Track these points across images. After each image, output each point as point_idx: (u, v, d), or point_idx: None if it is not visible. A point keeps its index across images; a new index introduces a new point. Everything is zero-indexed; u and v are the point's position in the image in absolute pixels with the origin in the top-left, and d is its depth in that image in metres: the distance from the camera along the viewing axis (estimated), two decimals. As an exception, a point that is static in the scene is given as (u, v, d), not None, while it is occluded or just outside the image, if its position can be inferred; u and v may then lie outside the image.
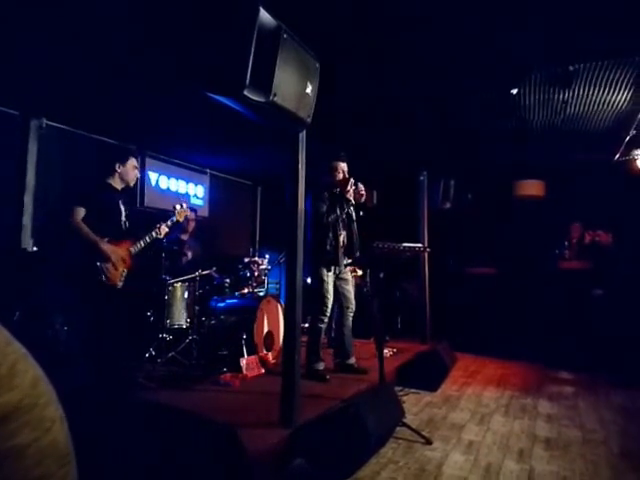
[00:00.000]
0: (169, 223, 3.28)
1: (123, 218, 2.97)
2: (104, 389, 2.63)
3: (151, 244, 3.15)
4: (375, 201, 6.22)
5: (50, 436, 0.52)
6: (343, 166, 3.53)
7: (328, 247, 3.38)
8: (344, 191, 3.40)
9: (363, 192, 3.44)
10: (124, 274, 2.91)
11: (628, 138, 4.24)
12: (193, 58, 2.23)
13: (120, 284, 2.88)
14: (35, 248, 3.70)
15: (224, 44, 1.80)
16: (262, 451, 2.07)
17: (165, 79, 3.20)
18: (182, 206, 3.51)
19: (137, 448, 1.81)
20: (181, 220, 3.51)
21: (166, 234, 3.26)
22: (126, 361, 3.34)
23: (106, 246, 2.79)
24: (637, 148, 4.56)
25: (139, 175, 3.11)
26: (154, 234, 3.14)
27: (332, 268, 3.44)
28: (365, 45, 2.76)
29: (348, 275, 3.62)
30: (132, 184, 3.06)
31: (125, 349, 3.31)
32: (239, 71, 1.72)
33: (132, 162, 3.01)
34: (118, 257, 2.85)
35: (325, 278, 3.39)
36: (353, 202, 3.45)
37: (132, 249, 2.98)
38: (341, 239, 3.46)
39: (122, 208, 2.98)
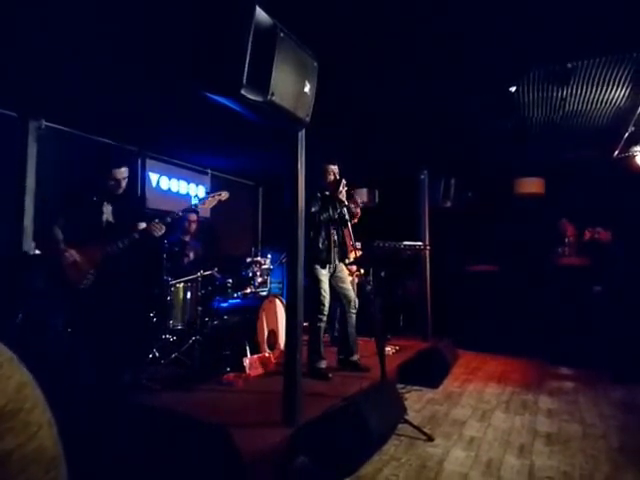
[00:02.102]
0: (168, 219, 3.09)
1: (108, 218, 2.96)
2: (85, 391, 2.64)
3: (144, 241, 3.01)
4: (377, 200, 6.25)
5: (36, 441, 0.51)
6: (334, 168, 3.61)
7: (321, 246, 3.46)
8: (336, 193, 3.45)
9: (345, 189, 3.48)
10: (90, 276, 2.86)
11: (627, 135, 4.24)
12: (190, 58, 2.24)
13: (84, 286, 2.84)
14: (37, 251, 3.71)
15: (221, 43, 1.81)
16: (264, 450, 2.09)
17: (164, 79, 3.21)
18: (212, 196, 3.42)
19: (132, 451, 1.82)
20: (209, 207, 3.43)
21: (163, 231, 3.05)
22: (110, 363, 3.32)
23: (64, 249, 2.82)
24: (636, 145, 4.56)
25: (122, 186, 3.01)
26: (137, 233, 2.97)
27: (327, 266, 3.48)
28: (364, 44, 2.77)
29: (343, 273, 3.66)
30: (118, 192, 2.99)
31: (105, 350, 3.25)
32: (236, 70, 1.74)
33: (114, 174, 2.93)
34: (78, 258, 2.84)
35: (320, 277, 3.44)
36: (346, 203, 3.51)
37: (109, 248, 2.90)
38: (333, 239, 3.54)
39: (107, 209, 2.96)
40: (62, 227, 2.90)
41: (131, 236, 2.96)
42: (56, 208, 3.01)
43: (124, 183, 3.02)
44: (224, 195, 3.48)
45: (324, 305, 3.44)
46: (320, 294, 3.42)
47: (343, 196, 3.48)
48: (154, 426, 2.00)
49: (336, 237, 3.57)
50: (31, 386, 0.54)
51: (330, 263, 3.52)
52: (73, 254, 2.85)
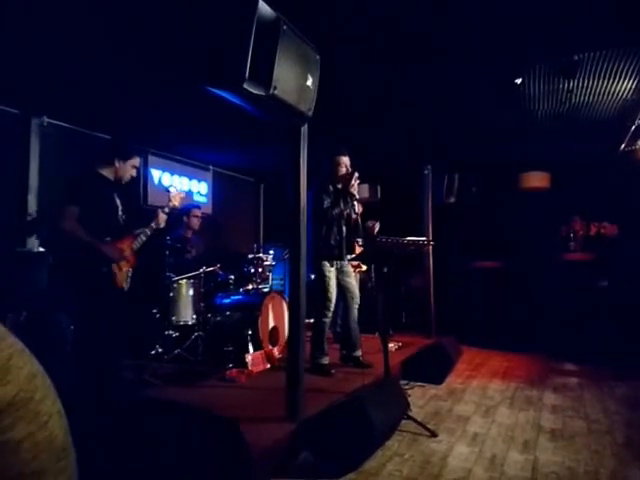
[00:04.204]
0: (166, 210, 3.02)
1: (120, 213, 2.78)
2: (106, 388, 2.62)
3: (152, 237, 2.95)
4: (379, 196, 6.22)
5: (46, 431, 0.52)
6: (345, 160, 3.53)
7: (332, 242, 3.39)
8: (348, 185, 3.39)
9: (357, 182, 3.44)
10: (129, 274, 2.75)
11: (633, 128, 4.20)
12: (193, 52, 2.23)
13: (126, 286, 2.71)
14: (41, 248, 3.71)
15: (223, 37, 1.79)
16: (268, 445, 2.09)
17: (166, 74, 3.19)
18: (175, 189, 3.30)
19: (138, 445, 1.82)
20: (177, 204, 3.23)
21: (165, 222, 3.01)
22: (130, 360, 3.33)
23: (107, 247, 2.59)
24: (642, 138, 4.51)
25: (135, 175, 2.90)
26: (154, 225, 2.91)
27: (335, 263, 3.45)
28: (367, 37, 2.74)
29: (349, 268, 3.64)
30: (124, 182, 2.84)
31: (128, 349, 3.24)
32: (239, 64, 1.72)
33: (133, 161, 2.82)
34: (121, 256, 2.68)
35: (328, 273, 3.40)
36: (357, 196, 3.46)
37: (134, 245, 2.80)
38: (344, 233, 3.48)
39: (118, 202, 2.78)
40: (78, 219, 2.53)
41: (152, 228, 2.88)
42: (65, 197, 2.60)
43: (135, 173, 2.93)
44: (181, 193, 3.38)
45: (330, 301, 3.41)
46: (327, 290, 3.39)
47: (355, 189, 3.40)
48: (161, 419, 2.00)
49: (346, 232, 3.51)
50: (41, 377, 0.55)
51: (341, 259, 3.47)
52: (120, 251, 2.63)
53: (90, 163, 2.81)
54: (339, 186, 3.49)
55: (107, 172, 2.76)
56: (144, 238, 2.87)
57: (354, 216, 3.51)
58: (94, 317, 2.60)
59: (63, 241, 2.65)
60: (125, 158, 2.78)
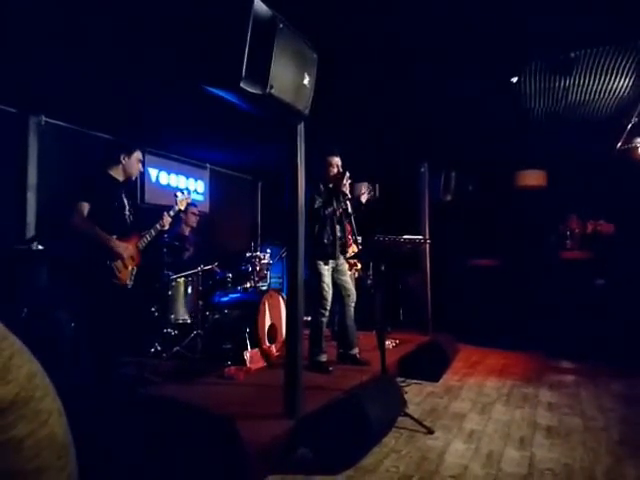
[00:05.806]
0: (171, 213, 3.18)
1: (127, 212, 2.85)
2: (106, 386, 2.63)
3: (156, 237, 3.07)
4: (377, 194, 6.23)
5: (47, 428, 0.53)
6: (337, 160, 3.57)
7: (325, 241, 3.43)
8: (340, 185, 3.42)
9: (349, 182, 3.48)
10: (134, 272, 2.81)
11: (630, 126, 4.20)
12: (189, 51, 2.23)
13: (130, 283, 2.78)
14: (40, 246, 3.71)
15: (220, 36, 1.79)
16: (266, 442, 2.10)
17: (163, 73, 3.19)
18: (183, 193, 3.46)
19: (136, 441, 1.83)
20: (182, 208, 3.41)
21: (170, 224, 3.16)
22: (129, 357, 3.34)
23: (116, 243, 2.66)
24: (639, 136, 4.52)
25: (142, 169, 3.03)
26: (158, 226, 3.03)
27: (329, 261, 3.47)
28: (364, 35, 2.74)
29: (345, 266, 3.66)
30: (134, 177, 2.96)
31: (128, 346, 3.27)
32: (235, 63, 1.72)
33: (137, 155, 2.91)
34: (128, 254, 2.75)
35: (323, 272, 3.43)
36: (349, 196, 3.48)
37: (139, 244, 2.88)
38: (337, 233, 3.51)
39: (125, 201, 2.85)
40: (88, 215, 2.61)
41: (157, 229, 3.00)
42: (74, 196, 2.67)
43: (141, 168, 3.02)
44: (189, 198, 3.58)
45: (326, 299, 3.43)
46: (323, 289, 3.42)
47: (347, 189, 3.44)
48: (159, 417, 2.01)
49: (339, 231, 3.55)
50: (41, 375, 0.56)
51: (335, 258, 3.51)
52: (127, 247, 2.72)
53: (97, 164, 2.90)
54: (330, 186, 3.52)
55: (115, 172, 2.84)
56: (149, 238, 2.98)
57: (349, 215, 3.52)
58: (98, 314, 2.65)
59: (70, 238, 2.71)
60: (129, 152, 2.86)
